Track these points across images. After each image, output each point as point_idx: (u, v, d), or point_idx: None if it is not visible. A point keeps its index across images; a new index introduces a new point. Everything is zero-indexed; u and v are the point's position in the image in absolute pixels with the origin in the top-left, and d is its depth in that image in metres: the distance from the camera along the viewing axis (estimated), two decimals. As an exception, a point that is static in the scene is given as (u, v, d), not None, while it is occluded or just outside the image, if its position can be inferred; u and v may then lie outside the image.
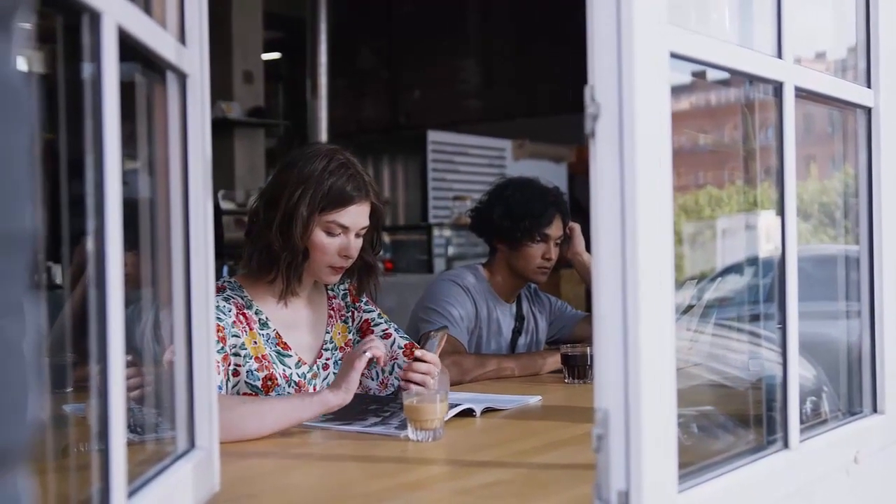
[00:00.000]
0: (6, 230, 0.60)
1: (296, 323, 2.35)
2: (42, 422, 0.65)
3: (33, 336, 0.63)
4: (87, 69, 1.05)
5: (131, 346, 1.13)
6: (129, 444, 1.11)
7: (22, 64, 0.63)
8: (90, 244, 1.04)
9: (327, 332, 2.41)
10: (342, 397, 2.00)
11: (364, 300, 2.48)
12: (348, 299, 2.48)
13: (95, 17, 1.03)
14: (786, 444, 1.57)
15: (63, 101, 1.11)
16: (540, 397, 2.46)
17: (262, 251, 2.26)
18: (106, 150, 1.04)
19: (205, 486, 1.44)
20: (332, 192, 2.21)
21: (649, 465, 1.21)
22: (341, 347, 2.42)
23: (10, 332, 0.60)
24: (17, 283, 0.61)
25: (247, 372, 2.21)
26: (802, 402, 1.67)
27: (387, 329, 2.45)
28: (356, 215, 2.26)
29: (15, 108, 0.61)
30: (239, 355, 2.20)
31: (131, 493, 1.13)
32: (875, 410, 1.87)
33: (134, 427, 1.38)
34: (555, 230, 3.09)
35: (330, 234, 2.24)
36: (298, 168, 2.23)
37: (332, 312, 2.44)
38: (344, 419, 2.09)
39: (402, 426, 1.98)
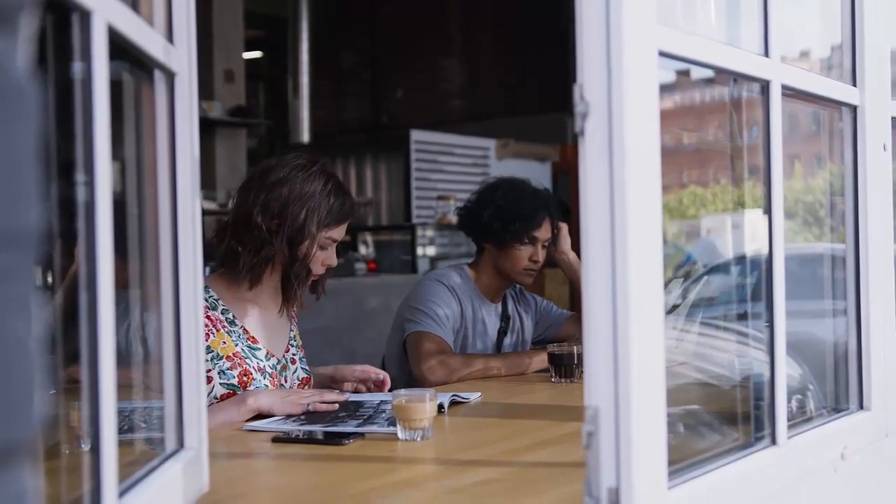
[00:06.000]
0: (13, 227, 0.60)
1: (264, 321, 2.44)
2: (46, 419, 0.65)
3: (39, 333, 0.63)
4: (76, 68, 1.04)
5: (116, 347, 1.12)
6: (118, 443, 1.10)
7: (27, 62, 0.63)
8: (80, 246, 1.03)
9: (291, 330, 2.53)
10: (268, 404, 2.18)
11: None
12: (295, 309, 2.59)
13: (85, 16, 1.02)
14: (773, 441, 1.57)
15: (50, 99, 1.10)
16: (479, 394, 2.47)
17: (264, 262, 2.34)
18: (96, 150, 1.03)
19: (194, 487, 1.43)
20: (333, 212, 2.37)
21: (639, 462, 1.21)
22: (301, 346, 2.56)
23: (18, 329, 0.60)
24: (23, 280, 0.61)
25: (219, 373, 2.28)
26: (788, 400, 1.68)
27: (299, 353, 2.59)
28: (345, 230, 2.44)
29: (21, 107, 0.61)
30: (207, 360, 2.23)
31: (122, 494, 1.13)
32: (861, 407, 1.89)
33: (121, 427, 1.37)
34: (543, 233, 3.09)
35: (322, 248, 2.38)
36: (298, 186, 2.33)
37: (292, 314, 2.55)
38: (330, 422, 2.08)
39: (392, 423, 1.98)
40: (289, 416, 2.15)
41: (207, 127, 7.44)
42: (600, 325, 1.22)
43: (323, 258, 2.39)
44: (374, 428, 2.01)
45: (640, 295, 1.21)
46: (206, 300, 2.32)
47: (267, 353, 2.40)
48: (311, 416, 2.15)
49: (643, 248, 1.23)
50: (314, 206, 2.33)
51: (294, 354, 2.51)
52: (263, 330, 2.42)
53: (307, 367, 2.53)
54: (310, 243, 2.34)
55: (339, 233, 2.41)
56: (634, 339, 1.20)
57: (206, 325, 2.27)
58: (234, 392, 2.27)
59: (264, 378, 2.35)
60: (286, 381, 2.44)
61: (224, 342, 2.31)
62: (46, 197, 1.03)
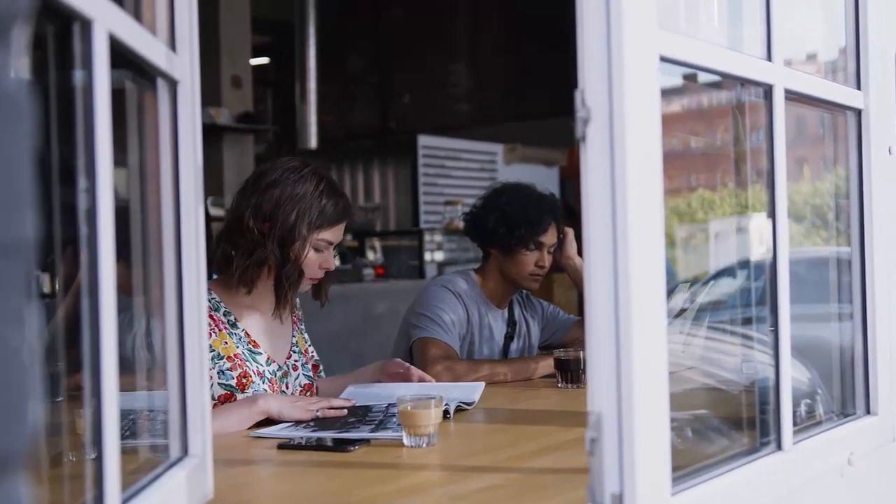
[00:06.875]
0: (8, 238, 0.61)
1: (265, 326, 2.44)
2: (41, 429, 0.66)
3: (33, 343, 0.64)
4: (77, 76, 1.05)
5: (122, 355, 1.13)
6: (122, 451, 1.10)
7: (22, 72, 0.63)
8: (83, 253, 1.04)
9: (293, 336, 2.53)
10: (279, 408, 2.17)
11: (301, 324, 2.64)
12: (300, 313, 2.61)
13: (86, 25, 1.02)
14: (779, 446, 1.57)
15: (53, 108, 1.11)
16: (482, 384, 2.50)
17: (256, 265, 2.34)
18: (98, 158, 1.04)
19: (198, 494, 1.43)
20: (325, 213, 2.36)
21: (643, 468, 1.21)
22: (304, 351, 2.55)
23: (11, 338, 0.61)
24: (17, 290, 0.62)
25: (219, 373, 2.29)
26: (797, 404, 1.67)
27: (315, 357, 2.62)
28: (341, 232, 2.43)
29: (15, 117, 0.61)
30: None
31: (125, 501, 1.13)
32: (868, 412, 1.88)
33: (125, 434, 1.37)
34: (549, 238, 3.08)
35: (317, 250, 2.38)
36: (290, 187, 2.34)
37: (294, 319, 2.56)
38: (341, 428, 2.08)
39: (401, 429, 1.97)
40: (298, 423, 2.15)
41: (215, 133, 7.45)
42: (602, 330, 1.22)
43: (319, 261, 2.39)
44: (388, 433, 2.01)
45: (642, 300, 1.21)
46: (209, 302, 2.32)
47: (268, 359, 2.40)
48: (320, 422, 2.15)
49: (645, 253, 1.23)
50: (305, 207, 2.33)
51: (296, 361, 2.50)
52: (265, 335, 2.42)
53: (310, 374, 2.53)
54: (301, 245, 2.34)
55: (333, 235, 2.39)
56: (636, 345, 1.20)
57: (209, 325, 2.27)
58: (232, 393, 2.27)
59: (263, 382, 2.35)
60: (287, 388, 2.44)
61: (226, 342, 2.32)
62: (48, 205, 1.04)
